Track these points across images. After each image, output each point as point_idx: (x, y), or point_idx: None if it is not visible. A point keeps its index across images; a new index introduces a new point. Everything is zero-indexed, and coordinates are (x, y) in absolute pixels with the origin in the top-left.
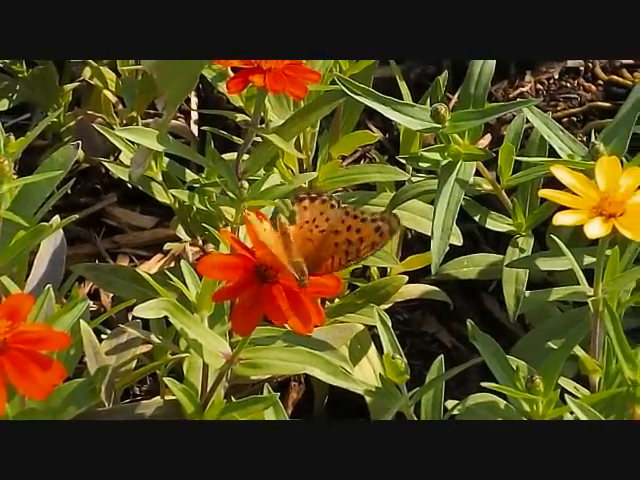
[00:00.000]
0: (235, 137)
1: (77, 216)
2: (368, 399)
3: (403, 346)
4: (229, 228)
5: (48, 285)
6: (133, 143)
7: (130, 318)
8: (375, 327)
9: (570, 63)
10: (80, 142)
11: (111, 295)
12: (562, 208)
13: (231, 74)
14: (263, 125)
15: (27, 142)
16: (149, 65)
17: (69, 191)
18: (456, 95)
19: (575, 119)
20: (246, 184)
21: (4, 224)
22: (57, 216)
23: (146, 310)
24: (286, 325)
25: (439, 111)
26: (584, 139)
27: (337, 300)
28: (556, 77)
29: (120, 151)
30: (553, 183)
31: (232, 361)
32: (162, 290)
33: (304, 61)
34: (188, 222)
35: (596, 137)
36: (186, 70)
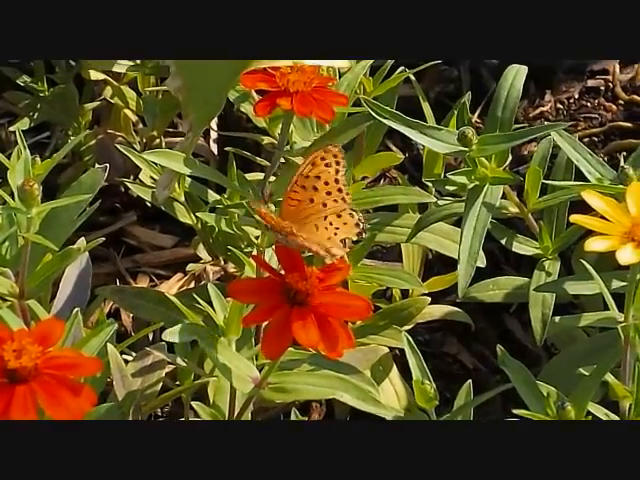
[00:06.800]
0: (258, 158)
1: (103, 238)
2: None
3: None
4: (254, 250)
5: (76, 309)
6: (156, 163)
7: (151, 339)
8: (396, 348)
9: (590, 83)
10: (107, 165)
11: (131, 314)
12: (590, 232)
13: (254, 95)
14: (288, 147)
15: (53, 164)
16: (175, 87)
17: (87, 208)
18: (476, 114)
19: (596, 139)
20: (272, 207)
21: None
22: (82, 238)
23: (175, 334)
24: (310, 348)
25: (466, 135)
26: (605, 159)
27: (359, 322)
28: (576, 96)
29: (140, 170)
30: (579, 206)
31: (261, 386)
32: (190, 314)
33: (331, 84)
34: (210, 242)
35: (625, 160)
36: (212, 93)
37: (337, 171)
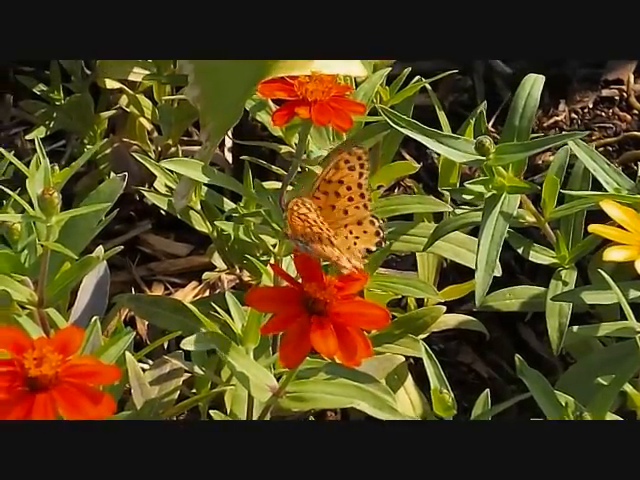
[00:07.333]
0: (274, 167)
1: (122, 247)
2: None
3: None
4: (271, 259)
5: (95, 317)
6: (171, 172)
7: (166, 347)
8: (410, 357)
9: (605, 92)
10: (126, 174)
11: (146, 322)
12: (607, 241)
13: (271, 104)
14: (305, 155)
15: (71, 172)
16: (193, 97)
17: (103, 218)
18: (490, 123)
19: (610, 149)
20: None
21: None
22: (100, 246)
23: (194, 343)
24: (326, 357)
25: (484, 144)
26: (620, 169)
27: (374, 330)
28: (590, 106)
29: (155, 178)
30: (596, 215)
31: (279, 394)
32: (209, 322)
33: (348, 93)
34: (226, 251)
35: None
36: (231, 102)
37: (361, 174)
